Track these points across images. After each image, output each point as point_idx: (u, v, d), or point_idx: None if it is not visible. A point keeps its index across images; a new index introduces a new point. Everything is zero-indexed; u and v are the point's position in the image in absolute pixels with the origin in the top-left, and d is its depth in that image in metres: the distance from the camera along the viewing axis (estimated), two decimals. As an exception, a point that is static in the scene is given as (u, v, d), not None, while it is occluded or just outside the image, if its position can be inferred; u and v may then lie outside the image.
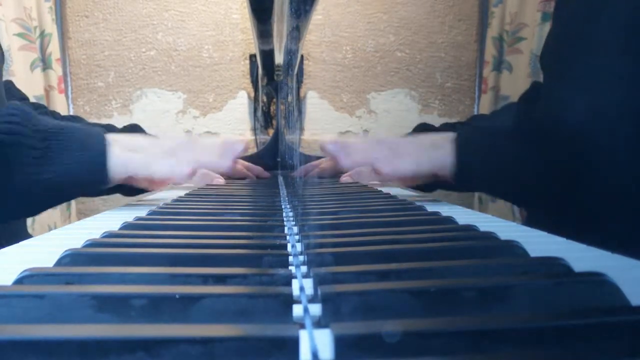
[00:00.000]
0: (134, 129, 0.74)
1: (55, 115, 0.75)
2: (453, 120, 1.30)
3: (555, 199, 0.51)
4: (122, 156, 0.50)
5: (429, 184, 0.64)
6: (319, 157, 0.83)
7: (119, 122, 1.22)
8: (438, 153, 0.55)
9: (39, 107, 0.76)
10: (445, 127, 0.77)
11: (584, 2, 0.52)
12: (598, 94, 0.48)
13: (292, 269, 0.24)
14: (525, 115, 0.55)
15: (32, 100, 0.97)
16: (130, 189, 0.63)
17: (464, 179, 0.55)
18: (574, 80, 0.52)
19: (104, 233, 0.31)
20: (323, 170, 0.78)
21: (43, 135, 0.46)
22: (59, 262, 0.24)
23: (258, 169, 0.82)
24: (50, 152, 0.46)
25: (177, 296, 0.18)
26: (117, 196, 0.66)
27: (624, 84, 0.46)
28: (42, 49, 1.15)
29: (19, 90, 0.76)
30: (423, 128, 0.75)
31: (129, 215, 0.43)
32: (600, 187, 0.47)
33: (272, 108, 1.21)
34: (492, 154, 0.53)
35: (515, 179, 0.52)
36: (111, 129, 0.74)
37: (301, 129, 1.26)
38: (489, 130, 0.57)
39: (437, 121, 1.28)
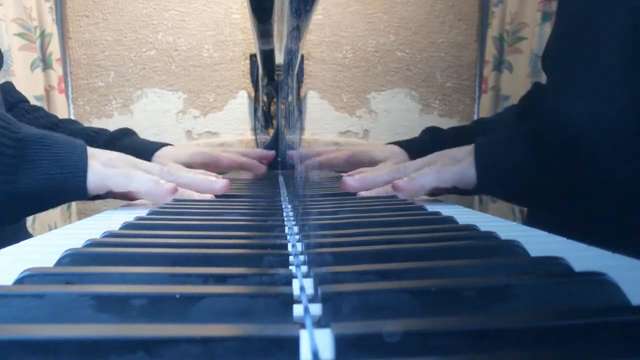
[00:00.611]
0: (125, 133, 0.74)
1: (51, 118, 0.75)
2: (453, 120, 1.30)
3: (558, 200, 0.51)
4: (102, 170, 0.49)
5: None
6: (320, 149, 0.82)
7: (120, 122, 1.22)
8: (459, 166, 0.55)
9: (37, 110, 0.76)
10: (453, 131, 0.77)
11: (587, 2, 0.52)
12: (601, 96, 0.48)
13: (293, 268, 0.24)
14: (526, 118, 0.55)
15: (32, 100, 0.97)
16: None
17: (484, 189, 0.56)
18: (577, 82, 0.52)
19: (104, 233, 0.31)
20: (331, 160, 0.77)
21: (21, 144, 0.45)
22: (59, 262, 0.24)
23: (252, 162, 0.81)
24: (27, 161, 0.45)
25: (177, 296, 0.18)
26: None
27: (627, 85, 0.46)
28: (43, 49, 1.15)
29: (18, 92, 0.76)
30: (431, 132, 0.75)
31: (129, 215, 0.43)
32: (601, 187, 0.47)
33: (273, 108, 1.21)
34: (511, 163, 0.53)
35: (532, 185, 0.52)
36: (103, 133, 0.74)
37: (301, 129, 1.26)
38: (506, 137, 0.56)
39: (437, 121, 1.29)
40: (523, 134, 0.54)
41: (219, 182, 0.55)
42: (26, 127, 0.48)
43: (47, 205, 0.50)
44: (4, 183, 0.44)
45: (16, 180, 0.45)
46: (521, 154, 0.53)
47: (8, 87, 0.74)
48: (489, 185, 0.55)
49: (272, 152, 0.82)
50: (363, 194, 0.55)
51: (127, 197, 0.56)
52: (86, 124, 0.84)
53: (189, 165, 0.70)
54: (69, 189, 0.48)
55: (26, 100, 0.76)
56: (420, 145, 0.72)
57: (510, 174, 0.53)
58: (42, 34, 1.15)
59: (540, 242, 0.31)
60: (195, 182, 0.55)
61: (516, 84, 1.18)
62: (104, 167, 0.50)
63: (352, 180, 0.56)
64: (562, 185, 0.49)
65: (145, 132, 1.14)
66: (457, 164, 0.55)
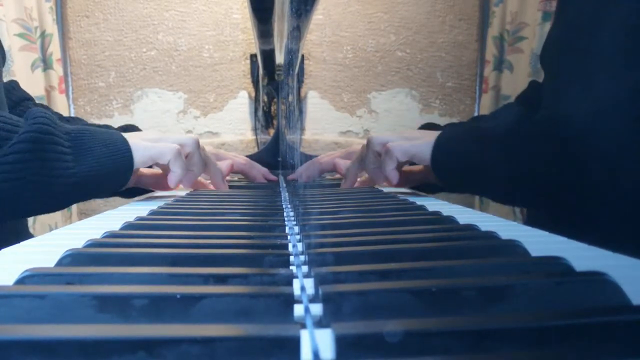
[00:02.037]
0: (130, 129, 0.74)
1: (60, 117, 0.76)
2: (454, 119, 1.30)
3: (556, 198, 0.51)
4: (144, 144, 0.55)
5: (429, 184, 0.65)
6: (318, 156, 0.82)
7: (120, 122, 1.22)
8: (421, 141, 0.57)
9: (45, 109, 0.76)
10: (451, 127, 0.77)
11: (586, 2, 0.52)
12: (599, 95, 0.48)
13: (293, 268, 0.24)
14: (524, 116, 0.55)
15: (33, 100, 0.97)
16: (130, 191, 0.63)
17: (439, 169, 0.56)
18: (575, 80, 0.52)
19: (104, 233, 0.31)
20: (323, 165, 0.77)
21: (71, 137, 0.49)
22: (60, 262, 0.24)
23: (262, 170, 0.81)
24: (79, 150, 0.49)
25: (178, 296, 0.18)
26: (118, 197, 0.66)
27: (625, 84, 0.46)
28: (43, 49, 1.15)
29: (23, 90, 0.76)
30: (428, 128, 0.75)
31: (130, 215, 0.43)
32: (601, 187, 0.47)
33: (273, 108, 1.21)
34: (473, 149, 0.53)
35: (499, 178, 0.52)
36: (108, 128, 0.74)
37: (302, 129, 1.26)
38: (476, 127, 0.57)
39: (437, 121, 1.29)
40: (499, 126, 0.54)
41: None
42: (66, 124, 0.52)
43: (102, 189, 0.54)
44: (66, 175, 0.48)
45: (75, 168, 0.48)
46: (482, 144, 0.53)
47: (12, 85, 0.74)
48: (441, 164, 0.55)
49: (274, 177, 0.83)
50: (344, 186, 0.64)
51: (160, 185, 0.62)
52: (87, 124, 0.84)
53: None
54: (120, 167, 0.52)
55: (30, 99, 0.76)
56: None
57: (469, 158, 0.53)
58: (43, 34, 1.15)
59: (540, 242, 0.31)
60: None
61: (517, 83, 1.18)
62: (145, 142, 0.55)
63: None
64: (554, 181, 0.49)
65: (146, 132, 1.14)
66: (419, 139, 0.57)
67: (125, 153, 0.52)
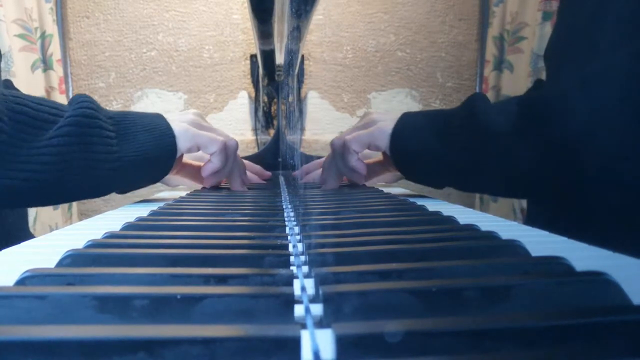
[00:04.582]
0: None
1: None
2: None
3: (555, 195, 0.51)
4: (192, 131, 0.55)
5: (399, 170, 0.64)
6: (320, 157, 0.82)
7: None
8: (375, 127, 0.56)
9: None
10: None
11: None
12: (601, 91, 0.47)
13: (294, 269, 0.24)
14: (525, 108, 0.54)
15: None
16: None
17: (395, 152, 0.55)
18: (577, 77, 0.51)
19: (105, 233, 0.31)
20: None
21: (115, 122, 0.50)
22: (61, 263, 0.24)
23: (258, 168, 0.81)
24: (122, 135, 0.49)
25: (178, 297, 0.18)
26: (119, 196, 0.66)
27: (627, 81, 0.45)
28: (43, 50, 1.15)
29: (16, 89, 0.76)
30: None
31: (131, 215, 0.43)
32: (602, 185, 0.46)
33: (273, 108, 1.21)
34: (431, 132, 0.52)
35: (460, 164, 0.51)
36: None
37: (302, 129, 1.26)
38: (438, 111, 0.57)
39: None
40: (461, 111, 0.53)
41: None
42: (108, 110, 0.52)
43: (146, 174, 0.53)
44: (111, 159, 0.48)
45: (119, 152, 0.49)
46: (441, 128, 0.52)
47: (6, 84, 0.74)
48: (398, 149, 0.54)
49: (268, 174, 0.83)
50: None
51: (196, 177, 0.62)
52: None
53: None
54: (164, 152, 0.52)
55: None
56: None
57: (422, 140, 0.52)
58: (43, 35, 1.15)
59: (541, 242, 0.31)
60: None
61: (517, 83, 1.18)
62: (188, 125, 0.55)
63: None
64: (555, 177, 0.48)
65: (146, 133, 1.14)
66: (376, 125, 0.57)
67: (169, 138, 0.52)
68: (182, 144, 0.53)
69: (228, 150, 0.58)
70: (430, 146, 0.52)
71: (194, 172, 0.63)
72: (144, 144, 0.50)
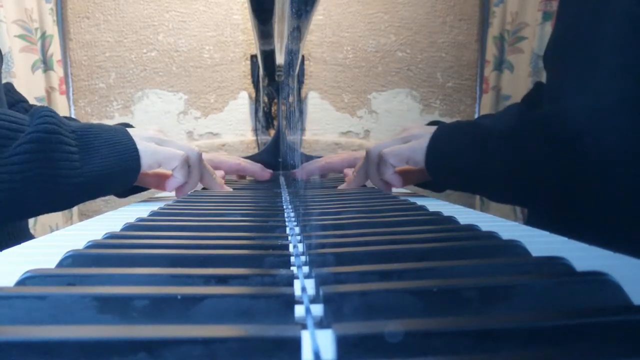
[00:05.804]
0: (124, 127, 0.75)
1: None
2: (454, 120, 1.30)
3: (558, 197, 0.51)
4: (152, 148, 0.54)
5: (435, 182, 0.65)
6: (320, 157, 0.83)
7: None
8: (415, 143, 0.57)
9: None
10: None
11: (588, 1, 0.52)
12: (602, 92, 0.47)
13: (294, 269, 0.24)
14: (527, 114, 0.54)
15: (33, 102, 0.97)
16: (128, 190, 0.63)
17: (433, 171, 0.55)
18: (577, 78, 0.51)
19: (105, 234, 0.31)
20: (328, 164, 0.78)
21: (77, 136, 0.49)
22: (61, 263, 0.24)
23: (257, 166, 0.81)
24: (85, 150, 0.49)
25: (179, 297, 0.18)
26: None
27: (628, 82, 0.45)
28: (43, 51, 1.15)
29: (18, 92, 0.76)
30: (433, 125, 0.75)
31: (131, 216, 0.43)
32: (603, 186, 0.47)
33: (273, 108, 1.21)
34: (468, 149, 0.53)
35: (496, 178, 0.52)
36: None
37: (302, 130, 1.26)
38: (471, 124, 0.57)
39: (438, 121, 1.29)
40: (496, 125, 0.53)
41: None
42: (71, 122, 0.51)
43: (108, 189, 0.53)
44: (73, 175, 0.47)
45: (82, 168, 0.48)
46: (477, 143, 0.52)
47: (8, 87, 0.74)
48: (434, 166, 0.55)
49: (269, 172, 0.82)
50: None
51: (159, 185, 0.62)
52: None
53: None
54: (126, 168, 0.51)
55: (25, 100, 0.76)
56: None
57: (458, 156, 0.53)
58: (43, 36, 1.15)
59: (541, 242, 0.31)
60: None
61: (517, 83, 1.18)
62: (152, 145, 0.55)
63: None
64: (556, 180, 0.49)
65: (147, 133, 1.14)
66: (414, 140, 0.57)
67: (132, 153, 0.52)
68: (145, 160, 0.53)
69: (191, 162, 0.58)
70: (467, 161, 0.53)
71: (154, 180, 0.63)
72: (108, 158, 0.50)
